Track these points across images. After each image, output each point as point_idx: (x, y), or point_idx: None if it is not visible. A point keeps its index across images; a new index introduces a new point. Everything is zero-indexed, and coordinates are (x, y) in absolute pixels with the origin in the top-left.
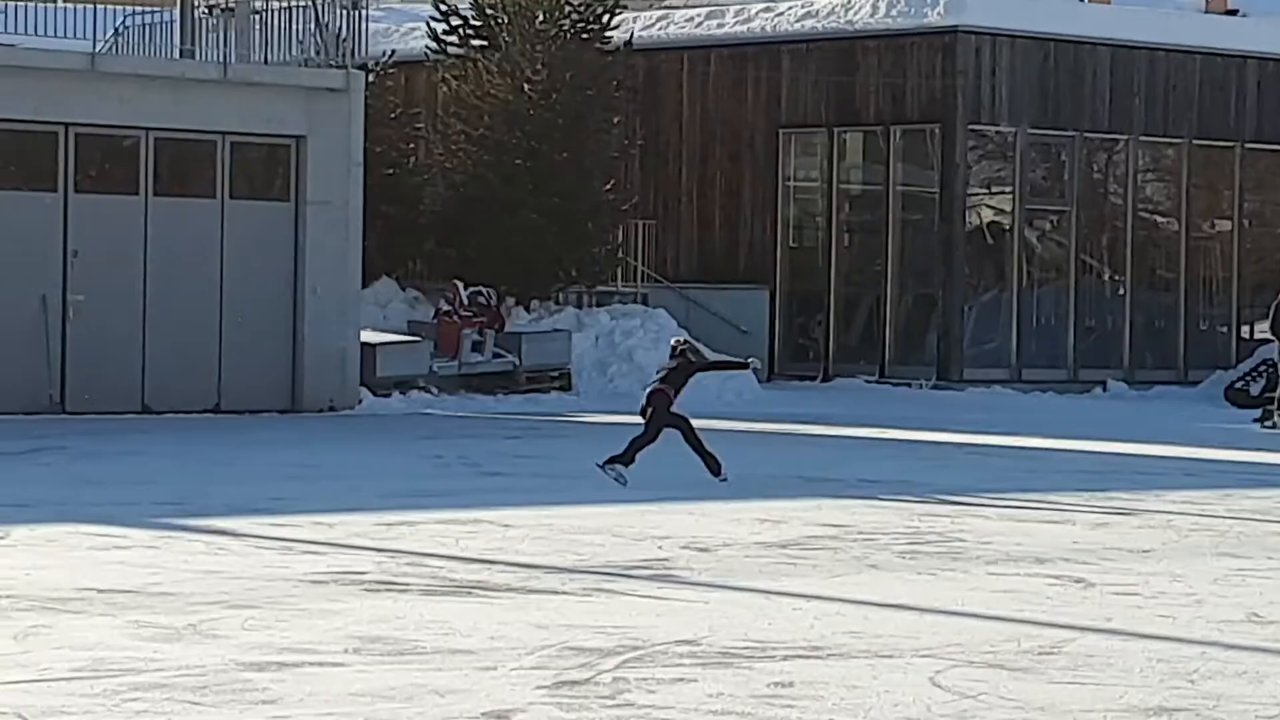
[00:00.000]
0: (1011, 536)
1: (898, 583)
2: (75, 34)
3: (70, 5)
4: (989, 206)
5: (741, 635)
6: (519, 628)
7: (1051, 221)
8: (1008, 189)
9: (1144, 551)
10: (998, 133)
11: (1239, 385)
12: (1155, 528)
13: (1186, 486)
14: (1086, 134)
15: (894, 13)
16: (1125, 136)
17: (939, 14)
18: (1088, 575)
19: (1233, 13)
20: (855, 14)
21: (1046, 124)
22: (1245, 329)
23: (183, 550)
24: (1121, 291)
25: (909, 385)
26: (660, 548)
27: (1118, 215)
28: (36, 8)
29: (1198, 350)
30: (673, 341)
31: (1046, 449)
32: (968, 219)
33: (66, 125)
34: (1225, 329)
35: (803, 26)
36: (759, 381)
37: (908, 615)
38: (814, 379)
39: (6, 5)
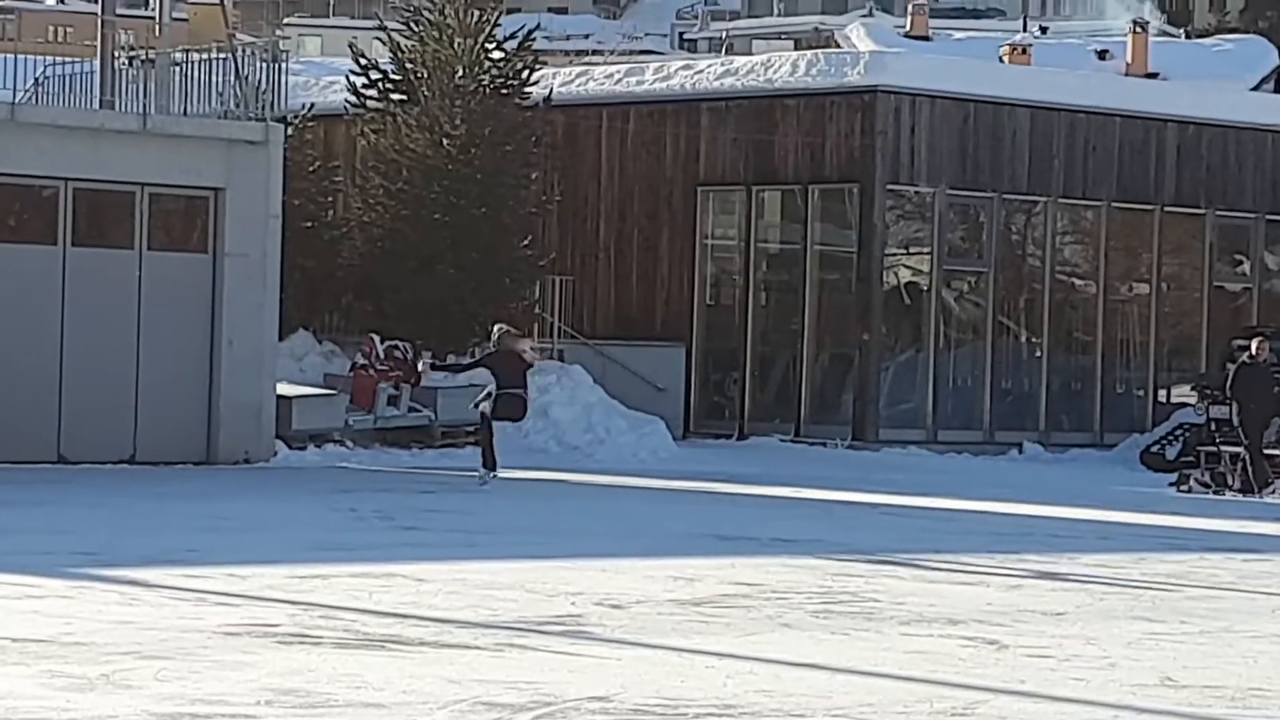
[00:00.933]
0: (925, 597)
1: (810, 642)
2: None
3: None
4: (907, 266)
5: (654, 693)
6: (431, 682)
7: (969, 282)
8: (926, 249)
9: (1058, 614)
10: (916, 193)
11: (1155, 449)
12: (1069, 590)
13: (1101, 550)
14: (1005, 195)
15: (814, 72)
16: (1044, 198)
17: (859, 73)
18: (1001, 637)
19: (1153, 76)
20: (775, 72)
21: (965, 185)
22: (1162, 392)
23: (97, 600)
24: (1039, 354)
25: (824, 445)
26: (573, 604)
27: (1036, 277)
28: None
29: (1114, 413)
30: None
31: (961, 510)
32: (885, 279)
33: None
34: (1142, 392)
35: (722, 84)
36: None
37: (820, 675)
38: (729, 437)
39: None
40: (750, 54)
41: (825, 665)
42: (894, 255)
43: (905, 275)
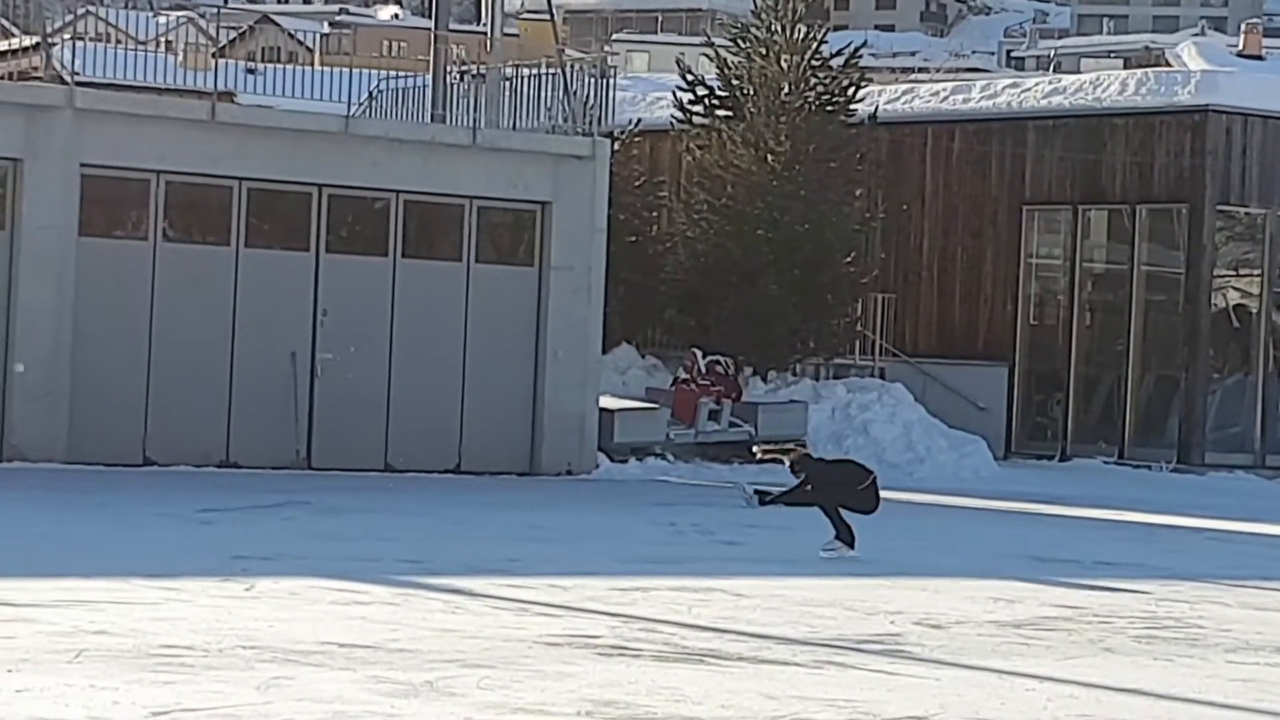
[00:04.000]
0: (1251, 624)
1: (1133, 667)
2: (330, 97)
3: (326, 69)
4: (1235, 289)
5: (973, 714)
6: (750, 697)
7: None
8: (1256, 271)
9: None
10: (1247, 214)
11: None
12: None
13: None
14: None
15: (1143, 91)
16: None
17: (1189, 93)
18: None
19: None
20: (1104, 91)
21: None
22: None
23: (421, 608)
24: None
25: (1149, 468)
26: (893, 623)
27: None
28: (294, 71)
29: None
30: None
31: None
32: (1213, 301)
33: (320, 186)
34: None
35: (1050, 103)
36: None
37: (1143, 700)
38: (1051, 458)
39: (265, 68)
40: (1079, 72)
41: (1148, 691)
42: (1223, 277)
43: (1234, 297)
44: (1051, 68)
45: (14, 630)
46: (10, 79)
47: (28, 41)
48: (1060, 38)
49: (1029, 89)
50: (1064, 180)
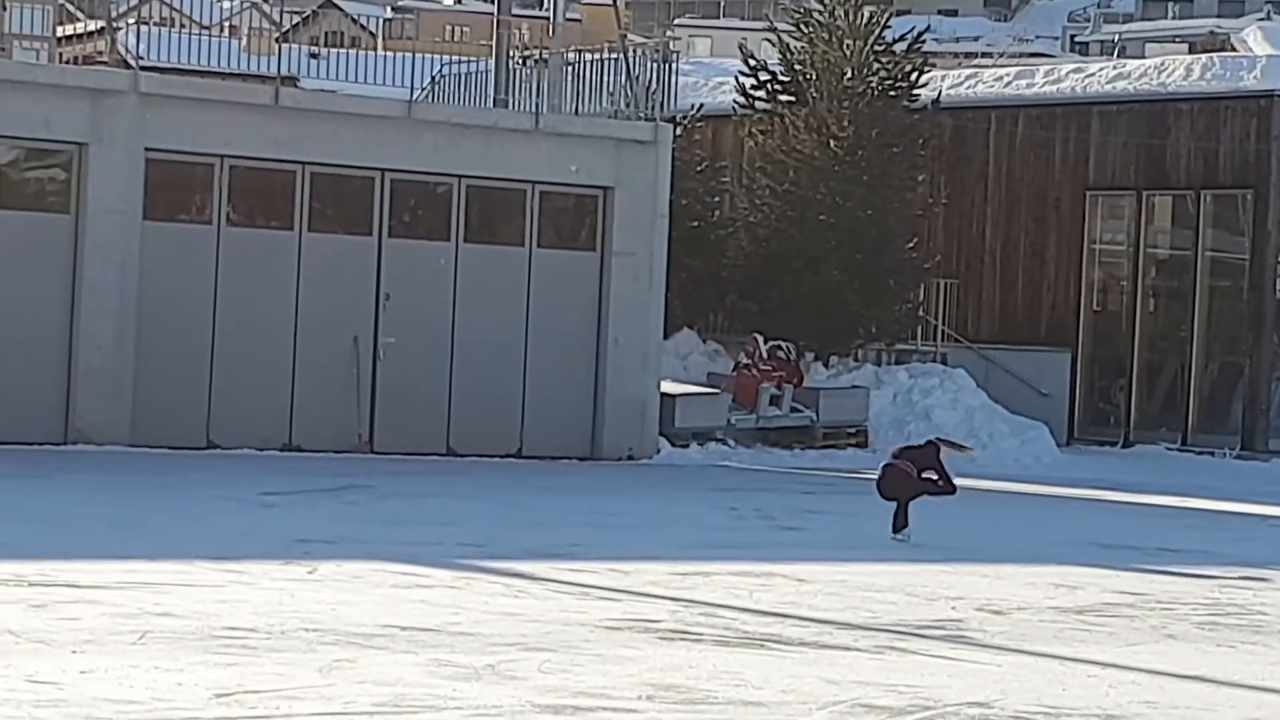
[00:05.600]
0: None
1: (1195, 654)
2: (393, 82)
3: (389, 54)
4: None
5: (1034, 700)
6: (811, 682)
7: None
8: None
9: None
10: None
11: None
12: None
13: None
14: None
15: (1208, 76)
16: None
17: (1255, 78)
18: None
19: None
20: (1168, 76)
21: None
22: None
23: (483, 591)
24: None
25: (1212, 454)
26: (954, 608)
27: None
28: (357, 55)
29: None
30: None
31: None
32: (1278, 287)
33: (382, 171)
34: None
35: (1114, 88)
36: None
37: (1205, 687)
38: (1114, 444)
39: (328, 53)
40: (1143, 57)
41: (1211, 678)
42: None
43: None
44: (1116, 52)
45: (79, 612)
46: (75, 63)
47: (93, 26)
48: (1125, 22)
49: (1093, 74)
50: (1128, 165)
